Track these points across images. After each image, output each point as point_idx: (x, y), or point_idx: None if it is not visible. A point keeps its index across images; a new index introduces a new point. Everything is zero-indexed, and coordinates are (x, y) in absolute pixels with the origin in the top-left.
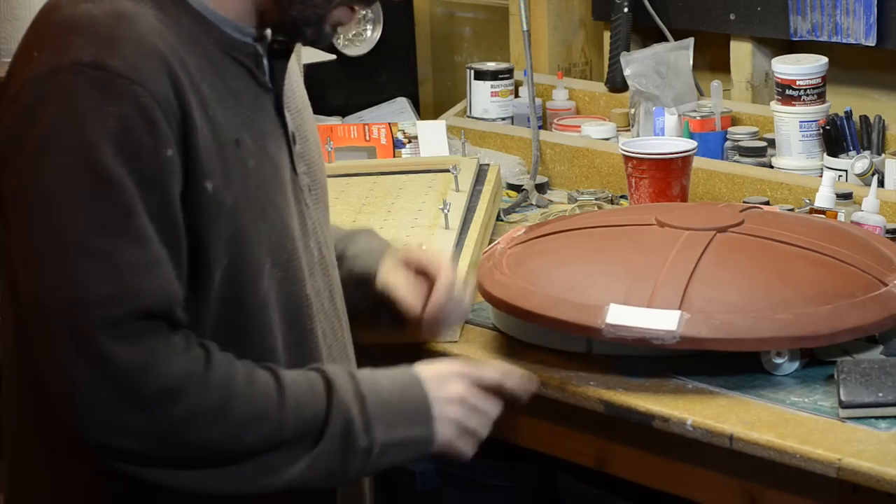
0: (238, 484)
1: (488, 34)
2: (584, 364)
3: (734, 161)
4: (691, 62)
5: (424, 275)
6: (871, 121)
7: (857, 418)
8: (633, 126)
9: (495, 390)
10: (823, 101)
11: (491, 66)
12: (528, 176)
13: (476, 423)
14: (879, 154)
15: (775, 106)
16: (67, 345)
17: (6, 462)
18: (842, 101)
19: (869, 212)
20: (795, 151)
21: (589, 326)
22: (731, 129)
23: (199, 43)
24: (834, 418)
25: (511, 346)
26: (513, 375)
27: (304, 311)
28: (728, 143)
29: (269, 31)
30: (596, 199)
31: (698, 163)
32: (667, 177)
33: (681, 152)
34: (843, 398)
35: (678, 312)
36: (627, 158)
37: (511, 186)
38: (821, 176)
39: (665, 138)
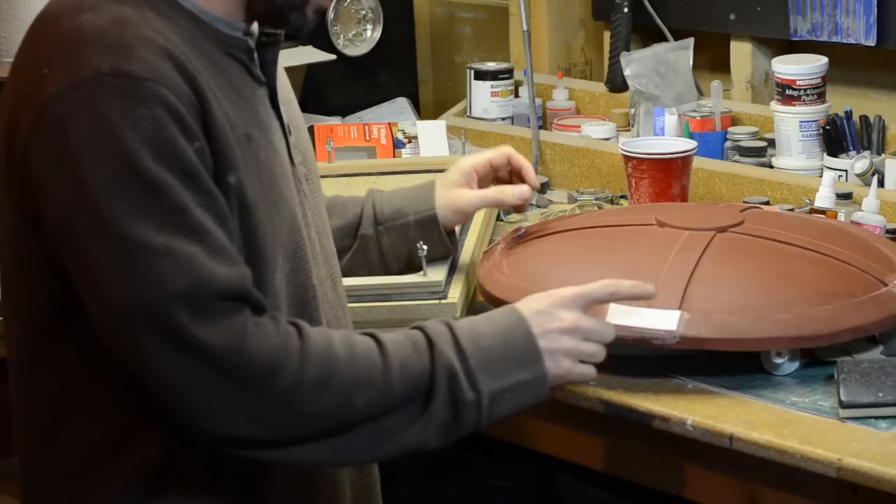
0: (356, 452)
1: (488, 34)
2: None
3: (734, 161)
4: (691, 62)
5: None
6: (871, 121)
7: (857, 418)
8: (633, 126)
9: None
10: (823, 101)
11: (491, 66)
12: None
13: (592, 347)
14: (879, 154)
15: (775, 106)
16: (161, 346)
17: (20, 467)
18: (842, 101)
19: (869, 212)
20: (795, 151)
21: None
22: (731, 129)
23: (197, 43)
24: (834, 418)
25: None
26: (622, 286)
27: (310, 302)
28: (728, 143)
29: (255, 25)
30: (596, 199)
31: (698, 163)
32: (667, 177)
33: (681, 152)
34: (843, 398)
35: (678, 312)
36: (627, 158)
37: None
38: (821, 176)
39: (665, 138)
